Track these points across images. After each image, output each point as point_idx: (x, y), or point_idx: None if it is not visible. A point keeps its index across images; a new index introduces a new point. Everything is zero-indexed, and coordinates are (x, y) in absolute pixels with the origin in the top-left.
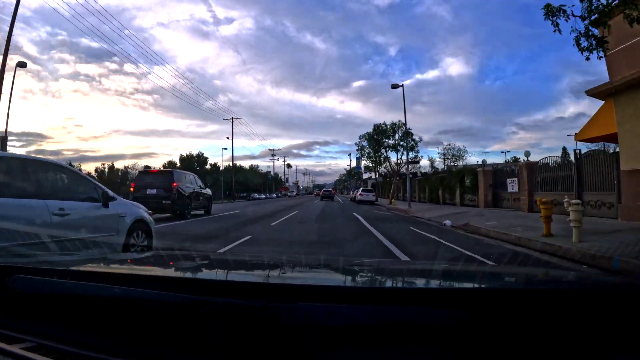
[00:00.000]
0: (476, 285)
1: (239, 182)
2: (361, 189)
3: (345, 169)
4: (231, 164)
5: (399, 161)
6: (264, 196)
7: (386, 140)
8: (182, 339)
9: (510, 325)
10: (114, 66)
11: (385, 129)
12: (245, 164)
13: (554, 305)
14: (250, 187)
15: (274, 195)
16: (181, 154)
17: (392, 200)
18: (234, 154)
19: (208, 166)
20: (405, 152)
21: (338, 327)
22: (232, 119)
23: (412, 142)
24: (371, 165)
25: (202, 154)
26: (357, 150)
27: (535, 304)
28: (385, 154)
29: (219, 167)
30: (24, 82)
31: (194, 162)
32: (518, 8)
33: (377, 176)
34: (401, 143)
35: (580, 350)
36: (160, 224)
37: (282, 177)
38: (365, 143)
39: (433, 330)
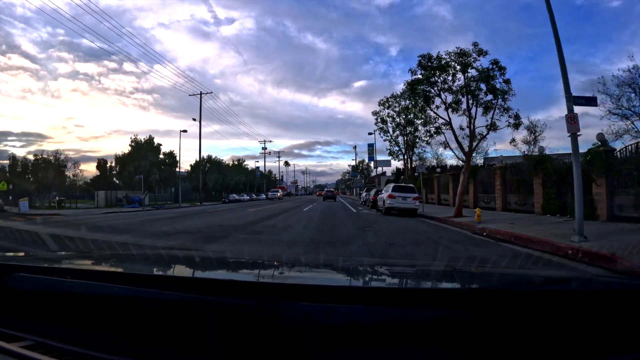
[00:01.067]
0: (476, 286)
1: (214, 179)
2: (391, 186)
3: (349, 166)
4: (213, 160)
5: (475, 129)
6: (247, 197)
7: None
8: (182, 338)
9: (509, 325)
10: (113, 65)
11: (444, 64)
12: (245, 163)
13: (553, 306)
14: (230, 186)
15: (263, 196)
16: (131, 138)
17: (478, 212)
18: (235, 154)
19: (162, 156)
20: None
21: (337, 327)
22: (201, 93)
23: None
24: (399, 147)
25: (153, 138)
26: (376, 125)
27: (534, 305)
28: (446, 115)
29: (176, 157)
30: (23, 81)
31: (142, 150)
32: (519, 8)
33: (408, 167)
34: (482, 86)
35: (580, 350)
36: None
37: (278, 175)
38: (388, 111)
39: (432, 330)
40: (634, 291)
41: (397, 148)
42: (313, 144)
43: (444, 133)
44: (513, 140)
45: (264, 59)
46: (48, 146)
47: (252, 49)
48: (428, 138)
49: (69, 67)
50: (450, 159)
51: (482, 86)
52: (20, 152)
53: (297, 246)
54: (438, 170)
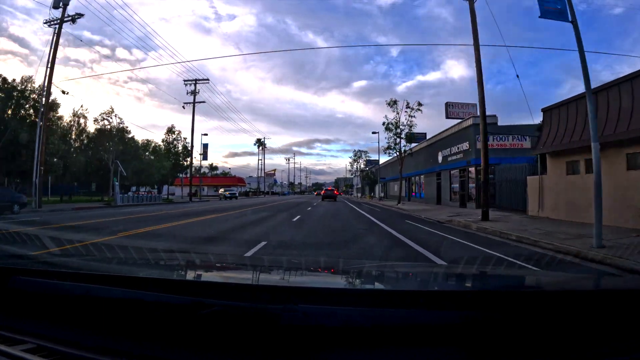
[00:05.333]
0: (476, 288)
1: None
2: None
3: (357, 162)
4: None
5: None
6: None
7: None
8: (183, 340)
9: (510, 326)
10: (106, 51)
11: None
12: (245, 160)
13: (553, 306)
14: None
15: (164, 195)
16: None
17: None
18: (233, 153)
19: None
20: None
21: (337, 329)
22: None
23: None
24: None
25: None
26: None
27: (547, 305)
28: None
29: None
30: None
31: None
32: (520, 12)
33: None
34: None
35: (586, 350)
36: None
37: (200, 140)
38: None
39: (431, 332)
40: (636, 291)
41: None
42: (312, 142)
43: None
44: None
45: (265, 56)
46: None
47: (253, 45)
48: None
49: (62, 54)
50: None
51: None
52: None
53: None
54: None
